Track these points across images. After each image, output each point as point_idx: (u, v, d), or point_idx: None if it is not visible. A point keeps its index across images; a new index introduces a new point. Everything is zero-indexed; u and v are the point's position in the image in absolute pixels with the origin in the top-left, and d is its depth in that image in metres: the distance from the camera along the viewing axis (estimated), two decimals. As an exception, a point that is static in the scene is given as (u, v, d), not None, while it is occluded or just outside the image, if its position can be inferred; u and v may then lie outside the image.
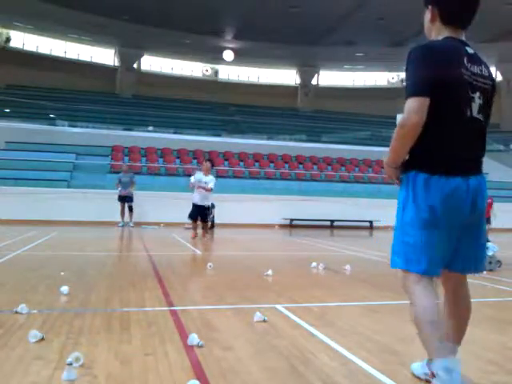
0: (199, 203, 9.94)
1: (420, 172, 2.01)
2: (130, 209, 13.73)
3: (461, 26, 2.09)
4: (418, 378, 2.30)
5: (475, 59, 2.06)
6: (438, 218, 1.98)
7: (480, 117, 2.05)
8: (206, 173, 9.96)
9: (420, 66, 1.95)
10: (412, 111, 1.90)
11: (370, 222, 16.91)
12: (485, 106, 2.06)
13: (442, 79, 1.93)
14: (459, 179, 1.98)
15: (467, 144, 2.03)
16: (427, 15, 2.16)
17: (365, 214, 16.76)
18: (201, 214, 10.09)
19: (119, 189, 13.65)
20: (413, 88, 1.94)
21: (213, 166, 10.76)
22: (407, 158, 2.07)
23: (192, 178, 10.10)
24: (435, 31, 2.12)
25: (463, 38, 2.10)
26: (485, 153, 2.13)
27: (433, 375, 2.09)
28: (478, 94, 2.02)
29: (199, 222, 10.25)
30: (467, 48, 2.06)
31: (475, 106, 2.02)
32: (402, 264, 2.08)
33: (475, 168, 2.06)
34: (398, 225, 2.11)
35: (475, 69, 2.03)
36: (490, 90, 2.09)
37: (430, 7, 2.14)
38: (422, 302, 2.04)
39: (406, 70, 2.02)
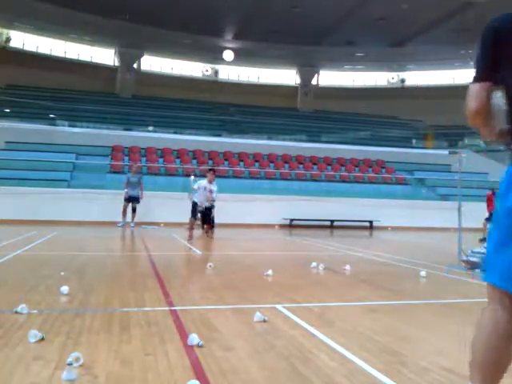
0: (203, 205, 10.49)
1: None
2: (134, 209, 13.64)
3: None
4: None
5: None
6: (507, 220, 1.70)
7: None
8: (211, 181, 10.65)
9: (479, 47, 1.85)
10: (471, 97, 1.82)
11: (370, 222, 16.91)
12: None
13: (501, 58, 1.78)
14: None
15: None
16: None
17: (365, 214, 16.76)
18: (204, 216, 10.74)
19: (126, 189, 13.53)
20: (474, 73, 1.85)
21: (214, 173, 11.27)
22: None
23: (195, 185, 10.59)
24: None
25: None
26: None
27: None
28: None
29: (199, 222, 10.58)
30: None
31: None
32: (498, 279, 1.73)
33: None
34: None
35: None
36: None
37: None
38: (480, 325, 1.77)
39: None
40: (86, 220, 14.18)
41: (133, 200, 13.60)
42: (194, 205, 10.39)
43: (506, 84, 1.80)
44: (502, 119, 1.91)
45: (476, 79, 1.83)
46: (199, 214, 10.71)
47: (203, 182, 10.61)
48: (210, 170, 11.27)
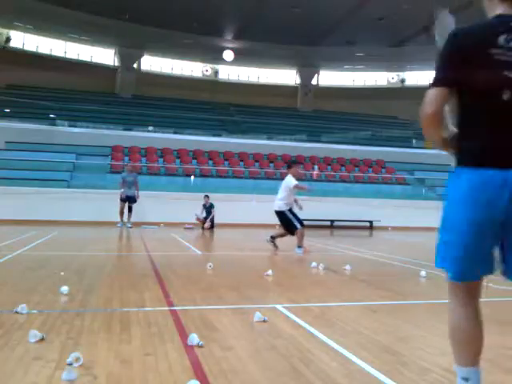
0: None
1: (464, 167, 1.87)
2: (130, 209, 13.57)
3: None
4: None
5: None
6: (464, 216, 1.83)
7: None
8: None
9: (441, 53, 1.91)
10: (428, 101, 1.86)
11: (370, 221, 16.91)
12: None
13: (462, 66, 1.82)
14: (493, 171, 1.78)
15: (503, 132, 1.81)
16: None
17: (365, 214, 16.76)
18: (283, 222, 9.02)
19: (122, 189, 13.42)
20: (433, 78, 1.90)
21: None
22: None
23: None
24: (490, 8, 1.97)
25: None
26: None
27: None
28: None
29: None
30: None
31: None
32: (438, 262, 1.96)
33: None
34: (441, 223, 2.00)
35: None
36: None
37: None
38: (450, 314, 1.94)
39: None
40: (86, 220, 14.18)
41: (129, 200, 13.48)
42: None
43: (461, 92, 1.87)
44: (450, 127, 1.99)
45: (434, 84, 1.87)
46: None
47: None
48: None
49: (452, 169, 1.95)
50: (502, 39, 1.82)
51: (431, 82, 1.89)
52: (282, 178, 19.56)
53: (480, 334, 1.92)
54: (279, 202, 8.59)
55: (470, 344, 1.91)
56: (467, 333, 1.90)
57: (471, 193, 1.81)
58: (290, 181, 8.62)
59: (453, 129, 1.97)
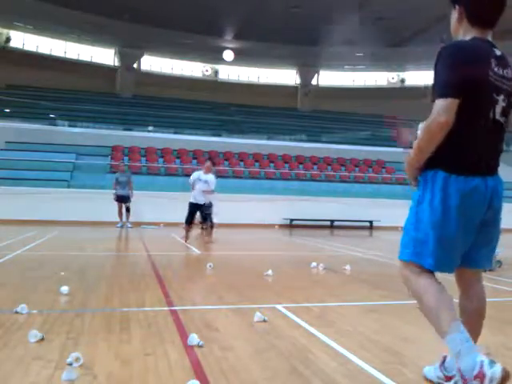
0: (198, 201, 9.19)
1: (440, 171, 2.01)
2: (128, 209, 13.52)
3: (488, 27, 2.07)
4: (431, 381, 2.27)
5: (502, 61, 2.03)
6: (454, 219, 1.98)
7: (502, 119, 2.04)
8: (207, 171, 9.32)
9: (449, 66, 1.95)
10: (441, 111, 1.90)
11: (370, 221, 16.91)
12: (507, 108, 2.05)
13: (470, 80, 1.92)
14: (478, 179, 1.98)
15: (488, 146, 2.04)
16: (454, 15, 2.15)
17: (365, 214, 16.75)
18: (200, 213, 9.47)
19: (117, 189, 13.38)
20: (442, 89, 1.94)
21: (214, 164, 10.30)
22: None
23: (191, 178, 9.52)
24: (462, 31, 2.10)
25: (490, 39, 2.08)
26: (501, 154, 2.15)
27: (448, 378, 2.10)
28: (502, 96, 2.01)
29: (197, 222, 9.79)
30: (495, 49, 2.04)
31: (498, 109, 2.01)
32: (409, 255, 2.09)
33: (493, 168, 2.07)
34: (412, 220, 2.12)
35: (501, 71, 2.01)
36: None
37: (457, 7, 2.12)
38: (427, 288, 2.03)
39: (435, 70, 2.00)
40: (86, 220, 14.17)
41: (123, 199, 13.42)
42: (190, 206, 9.22)
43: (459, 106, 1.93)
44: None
45: (447, 94, 1.92)
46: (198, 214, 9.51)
47: (197, 173, 9.35)
48: (207, 159, 10.16)
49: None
50: (493, 63, 1.98)
51: (443, 91, 1.93)
52: (282, 178, 19.65)
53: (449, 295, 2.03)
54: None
55: (445, 301, 1.99)
56: (439, 294, 2.01)
57: (462, 198, 1.97)
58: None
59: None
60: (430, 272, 2.07)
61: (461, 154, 2.00)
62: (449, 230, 1.99)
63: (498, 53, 2.04)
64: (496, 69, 1.99)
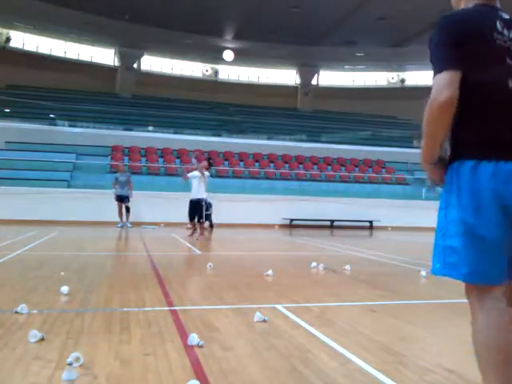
0: (193, 197, 10.32)
1: (465, 160, 1.70)
2: (128, 209, 13.55)
3: None
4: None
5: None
6: (490, 214, 1.65)
7: None
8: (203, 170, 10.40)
9: (445, 37, 1.72)
10: (442, 86, 1.64)
11: (370, 221, 16.91)
12: None
13: (470, 48, 1.69)
14: (510, 164, 1.67)
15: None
16: None
17: (365, 214, 16.76)
18: (195, 211, 10.27)
19: (116, 188, 13.42)
20: (440, 63, 1.69)
21: (210, 165, 11.14)
22: (449, 153, 1.79)
23: (189, 175, 10.66)
24: (464, 1, 1.88)
25: (497, 4, 1.85)
26: None
27: None
28: None
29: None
30: (501, 13, 1.80)
31: None
32: (440, 269, 1.76)
33: None
34: (440, 227, 1.79)
35: None
36: None
37: None
38: (479, 321, 1.72)
39: (430, 46, 1.77)
40: (86, 220, 14.18)
41: (123, 199, 13.45)
42: (189, 204, 10.40)
43: (463, 80, 1.68)
44: (446, 145, 1.80)
45: (445, 68, 1.67)
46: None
47: (194, 173, 10.45)
48: (205, 159, 11.25)
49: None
50: (499, 26, 1.76)
51: (440, 66, 1.69)
52: (282, 178, 19.67)
53: None
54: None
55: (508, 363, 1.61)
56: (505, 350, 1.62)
57: (497, 187, 1.66)
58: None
59: (448, 149, 1.80)
60: (496, 297, 1.68)
61: (485, 134, 1.70)
62: (485, 228, 1.66)
63: (506, 16, 1.80)
64: (505, 31, 1.74)
